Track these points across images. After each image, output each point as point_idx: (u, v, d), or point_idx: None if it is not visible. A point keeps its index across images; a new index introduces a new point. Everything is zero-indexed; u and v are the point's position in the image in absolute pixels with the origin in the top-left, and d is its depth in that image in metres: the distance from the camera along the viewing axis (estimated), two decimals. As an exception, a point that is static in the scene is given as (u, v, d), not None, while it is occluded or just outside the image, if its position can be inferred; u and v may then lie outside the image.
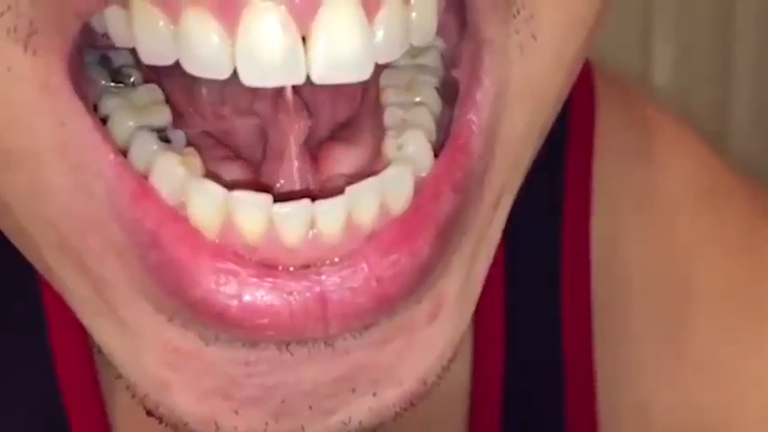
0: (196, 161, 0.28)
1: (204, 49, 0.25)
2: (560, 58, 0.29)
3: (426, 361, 0.29)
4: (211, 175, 0.28)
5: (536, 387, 0.43)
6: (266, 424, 0.27)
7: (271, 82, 0.25)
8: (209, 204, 0.26)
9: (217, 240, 0.26)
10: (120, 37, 0.27)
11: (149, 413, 0.29)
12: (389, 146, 0.29)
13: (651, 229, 0.44)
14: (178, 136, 0.29)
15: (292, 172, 0.30)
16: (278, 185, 0.30)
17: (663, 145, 0.45)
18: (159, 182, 0.27)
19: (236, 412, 0.27)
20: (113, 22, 0.26)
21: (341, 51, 0.25)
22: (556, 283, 0.43)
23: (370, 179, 0.27)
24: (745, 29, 0.97)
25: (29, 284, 0.40)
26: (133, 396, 0.29)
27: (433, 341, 0.29)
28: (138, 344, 0.28)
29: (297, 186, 0.30)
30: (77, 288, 0.28)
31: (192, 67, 0.26)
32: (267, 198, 0.26)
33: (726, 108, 0.98)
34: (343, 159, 0.30)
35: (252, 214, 0.26)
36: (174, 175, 0.27)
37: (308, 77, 0.26)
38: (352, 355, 0.27)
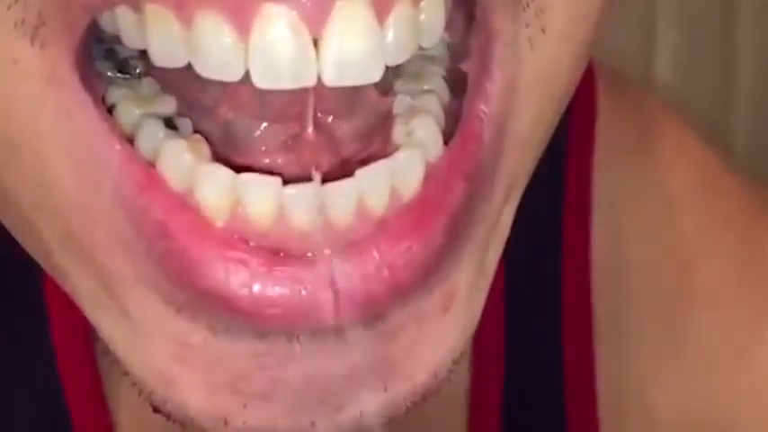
0: (203, 147, 0.28)
1: (217, 52, 0.25)
2: (569, 52, 0.29)
3: (438, 354, 0.28)
4: (219, 160, 0.27)
5: (536, 387, 0.43)
6: (276, 419, 0.27)
7: (283, 84, 0.25)
8: (217, 188, 0.26)
9: (225, 226, 0.26)
10: (131, 39, 0.27)
11: (156, 410, 0.28)
12: (399, 132, 0.29)
13: (651, 228, 0.44)
14: (185, 124, 0.29)
15: (303, 157, 0.29)
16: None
17: (663, 143, 0.45)
18: (166, 168, 0.26)
19: (246, 407, 0.27)
20: (125, 25, 0.26)
21: (352, 54, 0.25)
22: (556, 283, 0.43)
23: (380, 162, 0.27)
24: (747, 26, 0.97)
25: (30, 282, 0.40)
26: (139, 393, 0.28)
27: (444, 334, 0.28)
28: (144, 338, 0.27)
29: (307, 172, 0.29)
30: (83, 282, 0.28)
31: (203, 70, 0.26)
32: (276, 180, 0.26)
33: (727, 105, 0.98)
34: (353, 147, 0.30)
35: (261, 197, 0.26)
36: (181, 160, 0.26)
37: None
38: (364, 346, 0.27)
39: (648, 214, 0.44)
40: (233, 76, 0.26)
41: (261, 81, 0.25)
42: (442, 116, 0.29)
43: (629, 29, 0.94)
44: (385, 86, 0.30)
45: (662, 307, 0.43)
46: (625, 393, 0.43)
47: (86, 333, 0.40)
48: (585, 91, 0.44)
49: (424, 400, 0.28)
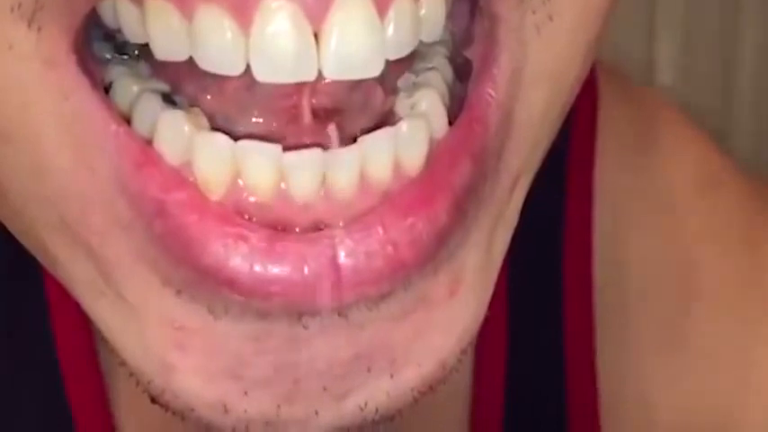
0: (202, 120, 0.27)
1: (218, 45, 0.25)
2: (577, 42, 0.28)
3: (446, 341, 0.28)
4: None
5: (538, 384, 0.43)
6: (278, 407, 0.26)
7: (283, 78, 0.25)
8: (216, 157, 0.26)
9: (224, 200, 0.26)
10: (133, 33, 0.26)
11: (154, 400, 0.27)
12: (402, 106, 0.28)
13: (653, 226, 0.44)
14: (182, 100, 0.28)
15: (303, 126, 0.28)
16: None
17: (665, 141, 0.45)
18: (164, 141, 0.26)
19: (246, 394, 0.26)
20: (126, 20, 0.26)
21: (352, 48, 0.25)
22: (558, 281, 0.43)
23: (383, 129, 0.26)
24: (748, 27, 0.97)
25: (30, 276, 0.40)
26: (137, 383, 0.28)
27: (452, 320, 0.28)
28: (142, 324, 0.27)
29: (307, 141, 0.28)
30: (79, 271, 0.28)
31: (205, 64, 0.26)
32: (276, 147, 0.26)
33: (728, 106, 0.98)
34: (356, 121, 0.29)
35: (261, 165, 0.26)
36: (179, 130, 0.26)
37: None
38: (368, 329, 0.26)
39: (650, 212, 0.44)
40: (234, 70, 0.25)
41: (261, 75, 0.25)
42: (445, 92, 0.29)
43: (629, 29, 0.95)
44: (389, 84, 0.30)
45: (663, 306, 0.43)
46: (625, 392, 0.43)
47: (87, 325, 0.40)
48: (587, 88, 0.44)
49: (431, 390, 0.28)
